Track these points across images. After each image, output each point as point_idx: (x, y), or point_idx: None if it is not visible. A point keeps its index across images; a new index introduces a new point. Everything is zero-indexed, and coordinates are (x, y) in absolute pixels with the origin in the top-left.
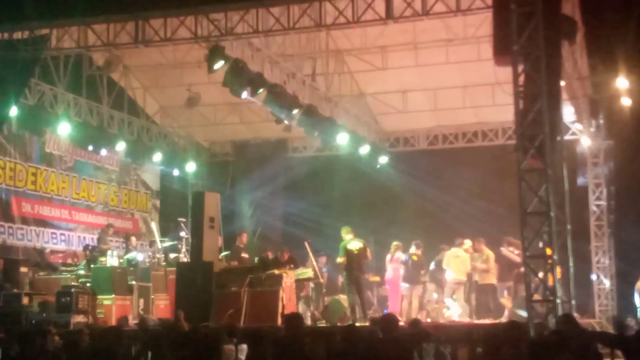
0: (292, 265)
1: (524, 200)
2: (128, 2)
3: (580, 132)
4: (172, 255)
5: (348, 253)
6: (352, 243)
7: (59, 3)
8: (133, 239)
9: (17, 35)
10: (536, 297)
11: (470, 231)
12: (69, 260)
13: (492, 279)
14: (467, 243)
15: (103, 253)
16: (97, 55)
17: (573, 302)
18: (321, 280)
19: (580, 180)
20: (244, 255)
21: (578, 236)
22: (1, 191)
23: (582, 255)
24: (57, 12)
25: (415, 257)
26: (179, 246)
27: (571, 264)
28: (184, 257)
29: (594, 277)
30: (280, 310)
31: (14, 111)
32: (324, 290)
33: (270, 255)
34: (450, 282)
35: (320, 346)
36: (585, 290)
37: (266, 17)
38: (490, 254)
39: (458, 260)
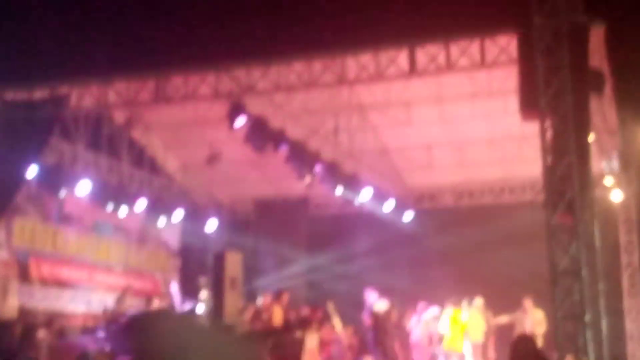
0: (320, 324)
1: (554, 258)
2: (148, 60)
3: (611, 187)
4: None
5: (374, 315)
6: (378, 304)
7: (79, 62)
8: (155, 301)
9: (37, 94)
10: (568, 359)
11: (498, 289)
12: (90, 323)
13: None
14: (478, 302)
15: (122, 315)
16: (117, 113)
17: None
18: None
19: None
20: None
21: (611, 294)
22: (20, 253)
23: (615, 313)
24: (78, 71)
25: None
26: (200, 307)
27: (604, 324)
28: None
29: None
30: None
31: (33, 171)
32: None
33: (296, 313)
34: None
35: None
36: (620, 350)
37: (287, 73)
38: (539, 314)
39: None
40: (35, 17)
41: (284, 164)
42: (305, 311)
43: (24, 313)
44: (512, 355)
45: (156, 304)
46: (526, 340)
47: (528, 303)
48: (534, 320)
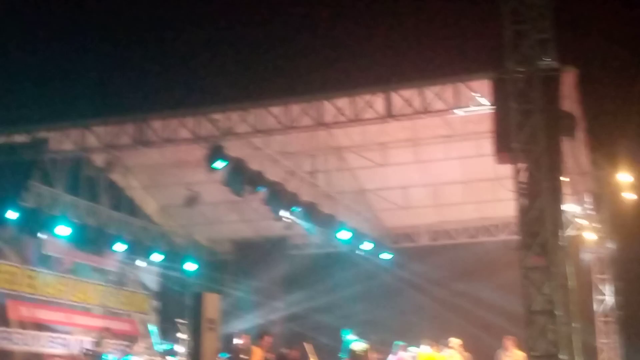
0: None
1: (528, 298)
2: (127, 103)
3: (583, 227)
4: (169, 359)
5: (352, 354)
6: (356, 344)
7: (58, 106)
8: (138, 344)
9: (17, 138)
10: None
11: (474, 329)
12: None
13: None
14: (454, 342)
15: (100, 357)
16: (97, 156)
17: None
18: None
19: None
20: (243, 357)
21: (584, 333)
22: None
23: (589, 352)
24: (57, 115)
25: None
26: (178, 349)
27: None
28: None
29: None
30: None
31: (12, 214)
32: None
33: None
34: None
35: None
36: None
37: (266, 116)
38: (520, 355)
39: None
40: (16, 62)
41: (262, 204)
42: (283, 351)
43: (2, 356)
44: None
45: (138, 347)
46: None
47: (509, 343)
48: None
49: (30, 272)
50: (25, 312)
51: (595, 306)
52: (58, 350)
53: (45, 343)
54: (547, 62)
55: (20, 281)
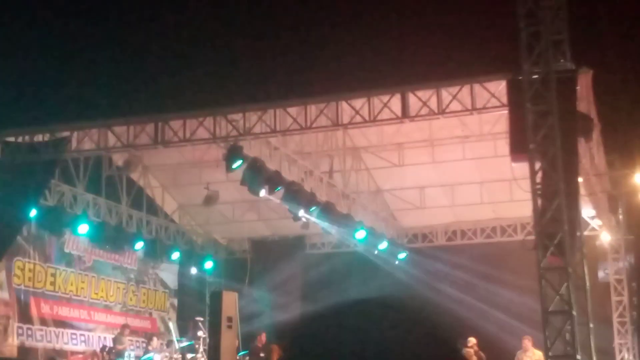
0: None
1: (545, 298)
2: (148, 104)
3: (600, 228)
4: (189, 356)
5: None
6: None
7: (80, 106)
8: (155, 340)
9: (38, 137)
10: None
11: (491, 329)
12: None
13: None
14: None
15: (120, 354)
16: (117, 155)
17: None
18: None
19: (601, 275)
20: (262, 355)
21: (601, 333)
22: (20, 292)
23: (606, 352)
24: (78, 114)
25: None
26: (197, 346)
27: None
28: (202, 358)
29: None
30: None
31: (34, 212)
32: None
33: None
34: None
35: None
36: None
37: (284, 116)
38: (539, 354)
39: None
40: (37, 62)
41: (280, 204)
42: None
43: (24, 352)
44: None
45: (155, 343)
46: None
47: (527, 342)
48: None
49: (52, 269)
50: (47, 309)
51: (612, 307)
52: (80, 347)
53: (67, 340)
54: (563, 63)
55: (42, 279)
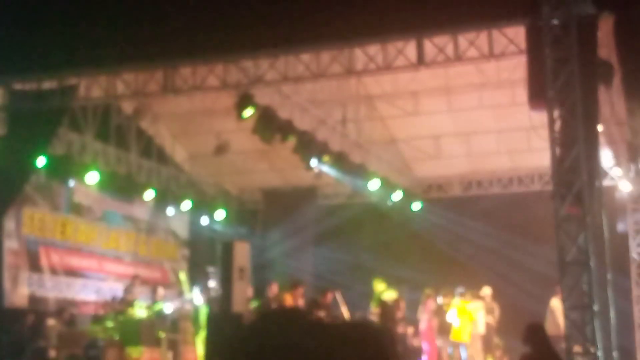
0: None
1: (563, 249)
2: (157, 51)
3: (619, 178)
4: (199, 306)
5: (382, 304)
6: (387, 294)
7: (88, 53)
8: (160, 290)
9: (46, 85)
10: (577, 349)
11: (506, 279)
12: (101, 311)
13: None
14: (486, 291)
15: (130, 304)
16: (126, 103)
17: (615, 353)
18: None
19: (620, 227)
20: (275, 305)
21: (619, 285)
22: (30, 242)
23: (623, 302)
24: (86, 62)
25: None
26: (207, 296)
27: (612, 314)
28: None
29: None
30: None
31: (42, 161)
32: None
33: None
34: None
35: None
36: (628, 340)
37: (295, 64)
38: None
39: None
40: (44, 8)
41: (292, 154)
42: (315, 298)
43: (35, 302)
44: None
45: (161, 292)
46: (538, 328)
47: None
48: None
49: (62, 219)
50: (57, 258)
51: (630, 258)
52: (91, 297)
53: (78, 290)
54: (584, 7)
55: (52, 228)
